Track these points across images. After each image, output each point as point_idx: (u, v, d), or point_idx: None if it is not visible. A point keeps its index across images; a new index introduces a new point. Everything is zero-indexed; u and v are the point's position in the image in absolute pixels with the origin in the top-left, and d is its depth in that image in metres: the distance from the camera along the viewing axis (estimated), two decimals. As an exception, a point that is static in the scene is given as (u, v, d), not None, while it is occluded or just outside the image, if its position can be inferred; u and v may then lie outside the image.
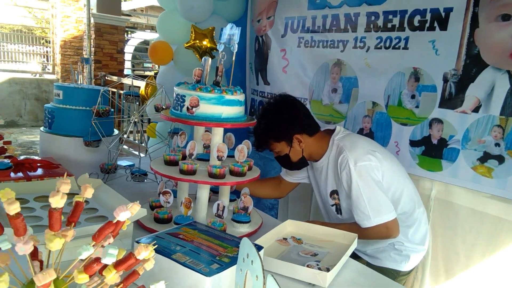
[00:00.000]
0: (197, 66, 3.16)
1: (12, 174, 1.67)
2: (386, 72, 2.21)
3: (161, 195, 1.63)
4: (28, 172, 1.70)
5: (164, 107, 2.05)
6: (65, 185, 0.77)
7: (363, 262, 1.78)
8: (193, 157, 1.59)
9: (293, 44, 2.75)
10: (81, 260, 0.76)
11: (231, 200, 1.84)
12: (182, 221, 1.53)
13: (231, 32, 1.65)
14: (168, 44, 3.19)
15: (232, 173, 1.61)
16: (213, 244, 1.25)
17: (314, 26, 2.60)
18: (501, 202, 1.83)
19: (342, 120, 2.45)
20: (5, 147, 2.02)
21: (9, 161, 1.72)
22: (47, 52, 10.04)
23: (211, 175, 1.56)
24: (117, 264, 0.77)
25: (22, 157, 1.84)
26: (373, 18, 2.25)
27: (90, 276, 0.75)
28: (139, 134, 4.50)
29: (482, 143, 1.85)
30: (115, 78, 6.96)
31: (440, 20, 1.97)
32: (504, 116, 1.78)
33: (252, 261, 0.95)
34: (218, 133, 1.64)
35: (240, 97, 1.62)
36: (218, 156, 1.59)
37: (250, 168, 1.69)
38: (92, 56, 6.79)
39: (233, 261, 1.16)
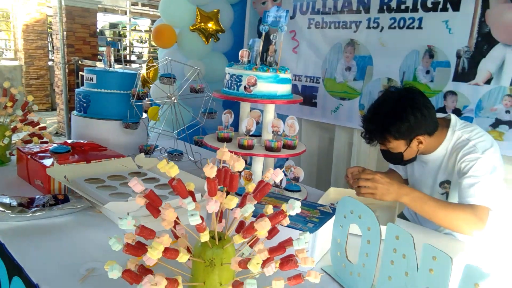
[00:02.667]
0: (202, 48, 3.25)
1: (70, 157, 1.71)
2: (400, 50, 2.39)
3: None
4: (84, 155, 1.75)
5: (197, 88, 2.14)
6: (225, 155, 0.87)
7: None
8: (251, 133, 1.71)
9: (303, 25, 2.87)
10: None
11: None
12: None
13: (277, 15, 1.75)
14: (171, 27, 3.21)
15: (285, 146, 1.74)
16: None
17: (324, 8, 2.74)
18: (509, 164, 2.09)
19: (357, 96, 2.62)
20: (41, 133, 2.03)
21: (68, 146, 1.76)
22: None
23: (268, 149, 1.69)
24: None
25: (69, 141, 1.88)
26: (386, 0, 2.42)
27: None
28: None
29: (494, 111, 2.08)
30: (89, 62, 6.77)
31: (453, 1, 2.17)
32: (513, 86, 2.02)
33: (360, 216, 1.10)
34: (270, 110, 1.76)
35: (289, 75, 1.74)
36: (273, 131, 1.71)
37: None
38: (64, 41, 6.55)
39: (321, 220, 1.31)
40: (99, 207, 1.43)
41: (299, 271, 0.88)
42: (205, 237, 0.79)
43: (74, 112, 2.19)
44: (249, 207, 0.84)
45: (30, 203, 1.38)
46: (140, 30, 14.27)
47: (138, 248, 0.80)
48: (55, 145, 1.77)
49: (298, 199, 1.17)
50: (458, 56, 2.18)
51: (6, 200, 1.37)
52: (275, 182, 1.75)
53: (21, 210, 1.33)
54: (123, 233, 0.85)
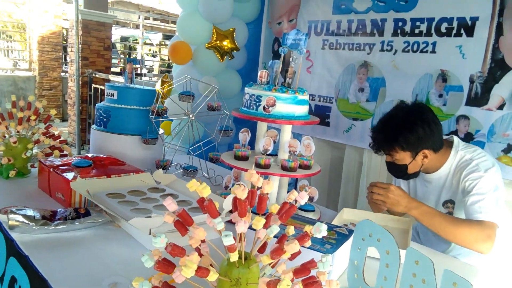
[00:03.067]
0: (216, 65, 3.31)
1: (91, 172, 1.75)
2: (414, 73, 2.43)
3: (234, 187, 1.77)
4: (104, 170, 1.79)
5: (215, 106, 2.18)
6: (254, 177, 0.90)
7: None
8: (268, 152, 1.74)
9: (317, 46, 2.93)
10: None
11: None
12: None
13: (296, 37, 1.80)
14: (187, 44, 3.29)
15: (301, 166, 1.77)
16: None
17: (339, 30, 2.80)
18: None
19: (370, 117, 2.66)
20: (62, 146, 2.08)
21: (90, 160, 1.80)
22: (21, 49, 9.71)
23: (285, 168, 1.72)
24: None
25: (90, 156, 1.92)
26: (400, 24, 2.47)
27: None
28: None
29: (506, 136, 2.11)
30: (103, 75, 6.89)
31: (467, 27, 2.21)
32: (526, 113, 2.04)
33: (379, 239, 1.12)
34: (287, 130, 1.79)
35: (307, 97, 1.78)
36: (290, 151, 1.75)
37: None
38: (79, 53, 6.68)
39: (338, 241, 1.33)
40: (119, 222, 1.47)
41: (322, 293, 0.90)
42: (234, 257, 0.82)
43: (94, 126, 2.24)
44: (275, 228, 0.87)
45: (52, 216, 1.41)
46: (152, 44, 14.50)
47: (168, 265, 0.83)
48: (77, 159, 1.81)
49: (318, 220, 1.20)
50: (471, 81, 2.22)
51: (30, 212, 1.40)
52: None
53: (44, 223, 1.35)
54: (150, 250, 0.88)
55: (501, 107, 2.12)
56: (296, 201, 0.94)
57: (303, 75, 3.03)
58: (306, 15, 3.01)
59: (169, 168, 2.22)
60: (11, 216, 1.30)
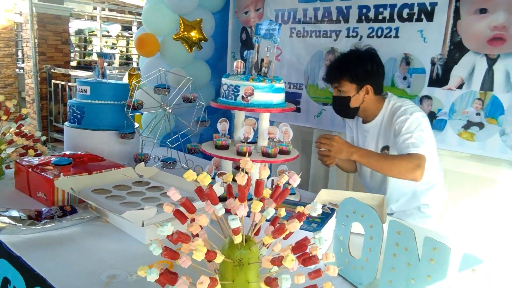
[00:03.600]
0: (185, 57, 3.31)
1: (71, 169, 1.74)
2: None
3: (217, 176, 1.82)
4: (85, 166, 1.78)
5: (191, 98, 2.20)
6: (248, 164, 0.96)
7: None
8: (248, 140, 1.80)
9: (285, 34, 2.98)
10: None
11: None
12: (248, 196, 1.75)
13: (269, 27, 1.85)
14: (154, 36, 3.26)
15: (280, 152, 1.84)
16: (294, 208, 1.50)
17: (305, 18, 2.87)
18: (480, 162, 2.28)
19: (339, 101, 2.75)
20: (35, 145, 2.05)
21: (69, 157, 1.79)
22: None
23: (265, 155, 1.78)
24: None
25: (68, 153, 1.90)
26: (364, 10, 2.57)
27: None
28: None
29: (466, 114, 2.26)
30: (62, 70, 6.66)
31: (427, 12, 2.34)
32: (483, 91, 2.20)
33: (362, 214, 1.21)
34: (266, 118, 1.86)
35: (283, 85, 1.85)
36: (269, 138, 1.81)
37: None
38: (36, 48, 6.41)
39: (323, 220, 1.42)
40: (107, 217, 1.48)
41: (318, 267, 0.97)
42: (238, 239, 0.87)
43: (67, 123, 2.21)
44: (271, 211, 0.93)
45: (38, 216, 1.41)
46: (110, 36, 14.06)
47: (174, 252, 0.88)
48: (55, 157, 1.79)
49: (300, 202, 1.27)
50: (433, 63, 2.35)
51: (15, 213, 1.39)
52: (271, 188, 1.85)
53: (32, 222, 1.35)
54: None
55: (460, 87, 2.27)
56: (289, 183, 1.00)
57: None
58: (272, 4, 3.06)
59: (148, 161, 2.23)
60: None
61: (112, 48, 14.61)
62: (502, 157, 2.17)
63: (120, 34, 14.09)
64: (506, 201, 2.19)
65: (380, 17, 2.52)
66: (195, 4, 3.22)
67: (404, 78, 2.47)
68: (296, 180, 0.97)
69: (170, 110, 2.13)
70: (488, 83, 2.18)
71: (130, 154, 2.22)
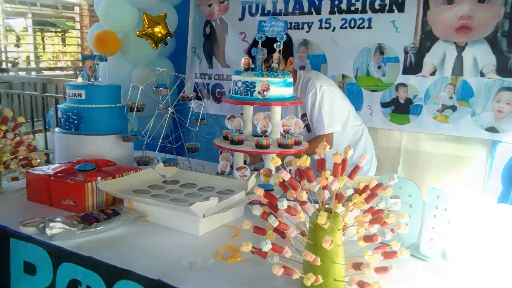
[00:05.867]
0: (148, 54, 3.13)
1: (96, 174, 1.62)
2: (353, 48, 2.65)
3: (236, 170, 1.79)
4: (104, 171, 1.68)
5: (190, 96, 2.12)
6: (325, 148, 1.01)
7: None
8: (266, 133, 1.78)
9: (253, 27, 2.95)
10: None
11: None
12: (265, 187, 1.74)
13: (273, 25, 1.84)
14: (114, 33, 3.03)
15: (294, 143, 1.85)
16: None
17: (275, 10, 2.87)
18: (455, 143, 2.50)
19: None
20: (29, 155, 1.84)
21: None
22: None
23: (282, 146, 1.78)
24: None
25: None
26: (336, 2, 2.65)
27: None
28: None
29: (440, 98, 2.46)
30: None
31: (398, 3, 2.48)
32: (454, 76, 2.41)
33: (400, 187, 1.28)
34: (278, 111, 1.84)
35: (291, 79, 1.85)
36: (284, 130, 1.82)
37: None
38: None
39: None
40: (147, 216, 1.46)
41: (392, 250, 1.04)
42: (338, 206, 0.99)
43: (58, 129, 2.02)
44: (348, 186, 0.99)
45: (84, 220, 1.35)
46: (13, 30, 12.66)
47: (262, 229, 1.03)
48: (79, 164, 1.66)
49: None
50: (406, 52, 2.51)
51: (64, 220, 1.32)
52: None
53: (84, 226, 1.31)
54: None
55: (433, 73, 2.46)
56: (360, 162, 1.09)
57: (241, 57, 3.04)
58: (238, -4, 3.01)
59: (151, 163, 2.10)
60: (52, 224, 1.26)
61: (17, 46, 13.20)
62: (474, 136, 2.40)
63: (25, 29, 12.76)
64: (479, 177, 2.44)
65: (352, 8, 2.61)
66: (155, -2, 3.05)
67: (379, 67, 2.61)
68: (365, 158, 1.11)
69: (172, 110, 2.03)
70: (458, 69, 2.39)
71: (128, 157, 2.11)
